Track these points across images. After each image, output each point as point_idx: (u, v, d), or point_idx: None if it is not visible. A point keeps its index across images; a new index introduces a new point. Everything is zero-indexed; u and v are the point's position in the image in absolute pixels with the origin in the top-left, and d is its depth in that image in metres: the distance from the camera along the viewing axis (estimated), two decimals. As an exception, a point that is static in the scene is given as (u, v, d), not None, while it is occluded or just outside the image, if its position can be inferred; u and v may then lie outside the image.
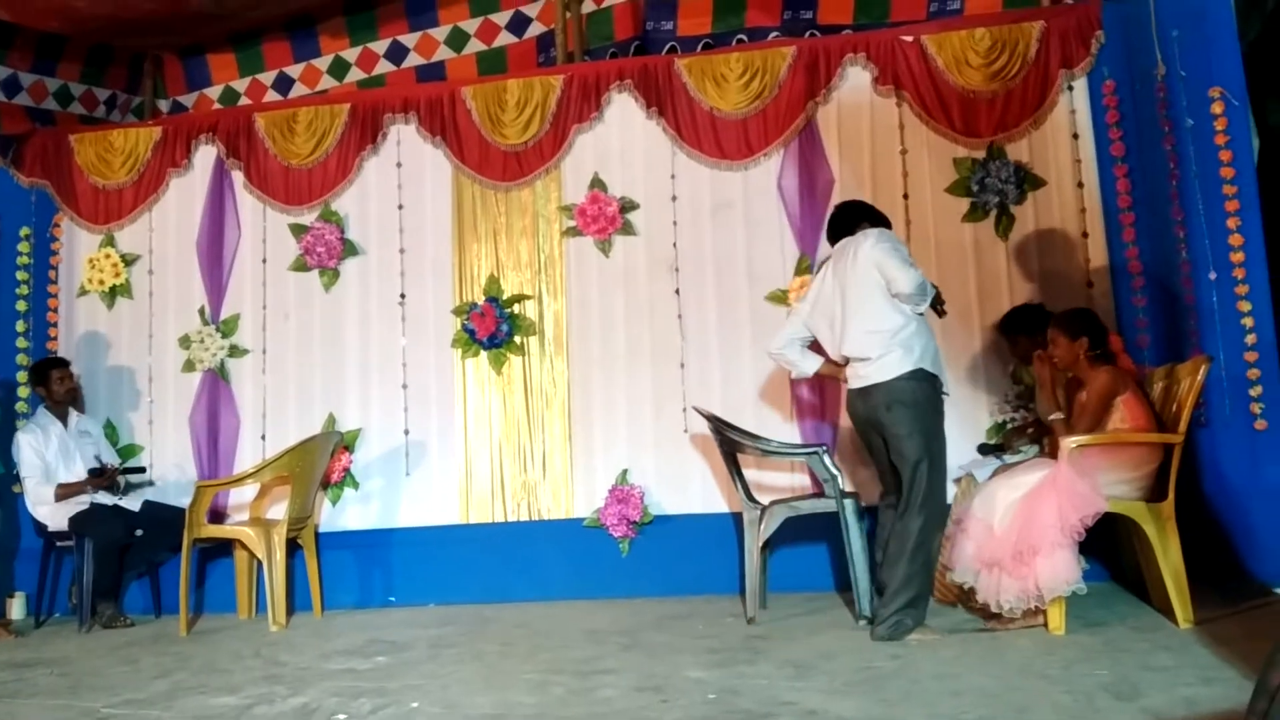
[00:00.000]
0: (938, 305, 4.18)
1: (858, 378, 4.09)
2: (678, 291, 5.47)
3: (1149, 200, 4.94)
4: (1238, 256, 4.58)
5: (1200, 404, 4.48)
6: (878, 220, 4.27)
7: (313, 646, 4.50)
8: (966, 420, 5.11)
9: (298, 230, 5.86)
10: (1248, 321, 4.53)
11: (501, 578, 5.42)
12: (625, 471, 5.38)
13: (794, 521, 4.52)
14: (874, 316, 4.01)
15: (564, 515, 5.44)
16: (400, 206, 5.80)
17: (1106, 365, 4.09)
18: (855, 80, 5.39)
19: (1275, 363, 4.50)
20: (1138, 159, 5.00)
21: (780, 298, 5.31)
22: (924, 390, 3.98)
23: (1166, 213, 4.80)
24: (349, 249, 5.80)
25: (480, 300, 5.62)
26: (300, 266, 5.83)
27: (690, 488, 5.34)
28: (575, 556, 5.37)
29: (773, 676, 3.44)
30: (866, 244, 4.05)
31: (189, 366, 5.85)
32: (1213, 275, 4.59)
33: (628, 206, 5.54)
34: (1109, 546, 4.61)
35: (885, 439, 4.04)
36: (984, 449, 4.80)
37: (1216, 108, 4.68)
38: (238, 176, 5.95)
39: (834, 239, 4.33)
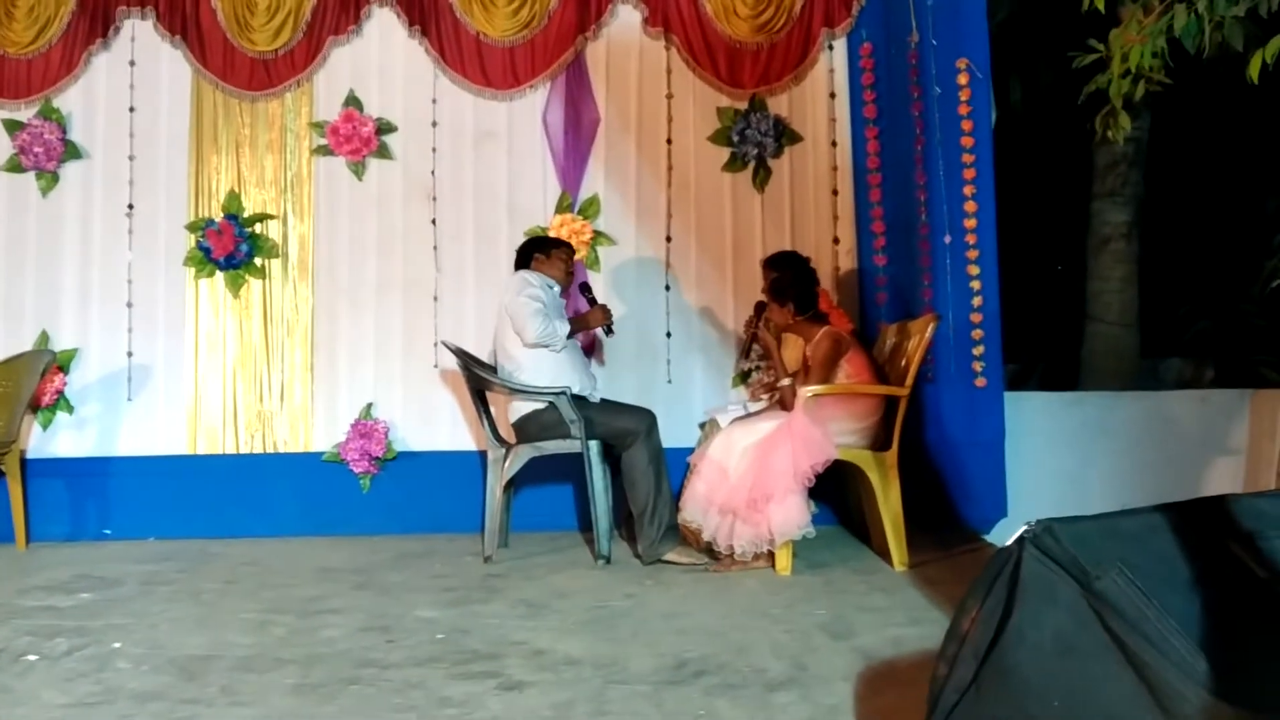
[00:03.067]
0: (608, 328, 4.65)
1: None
2: (434, 221, 5.27)
3: (896, 163, 5.13)
4: (971, 223, 4.83)
5: (928, 360, 4.73)
6: (547, 250, 4.64)
7: (10, 581, 4.12)
8: (714, 367, 5.22)
9: (12, 126, 5.26)
10: (975, 285, 4.80)
11: (231, 512, 5.10)
12: (370, 405, 5.17)
13: (540, 461, 4.46)
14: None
15: (301, 449, 5.19)
16: (132, 109, 5.30)
17: (824, 326, 4.24)
18: (626, 19, 5.31)
19: (998, 325, 4.80)
20: (889, 122, 5.18)
21: (540, 235, 5.20)
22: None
23: (910, 176, 4.99)
24: (71, 151, 5.27)
25: (218, 217, 5.23)
26: (14, 167, 5.25)
27: (438, 424, 5.20)
28: (312, 492, 5.13)
29: (505, 616, 3.39)
30: (507, 293, 4.47)
31: (-124, 272, 5.19)
32: (947, 239, 4.82)
33: (384, 128, 5.27)
34: (837, 492, 4.82)
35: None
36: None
37: (962, 78, 4.89)
38: (-58, 62, 5.28)
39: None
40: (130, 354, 5.21)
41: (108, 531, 5.13)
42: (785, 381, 4.28)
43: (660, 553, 4.16)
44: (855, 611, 3.34)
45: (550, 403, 4.27)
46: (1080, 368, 7.21)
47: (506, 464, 4.38)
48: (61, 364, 5.16)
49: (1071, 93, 5.99)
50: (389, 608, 3.53)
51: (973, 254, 4.83)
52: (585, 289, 4.76)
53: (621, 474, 4.32)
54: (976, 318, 4.81)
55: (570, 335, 4.44)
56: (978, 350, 4.81)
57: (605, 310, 4.63)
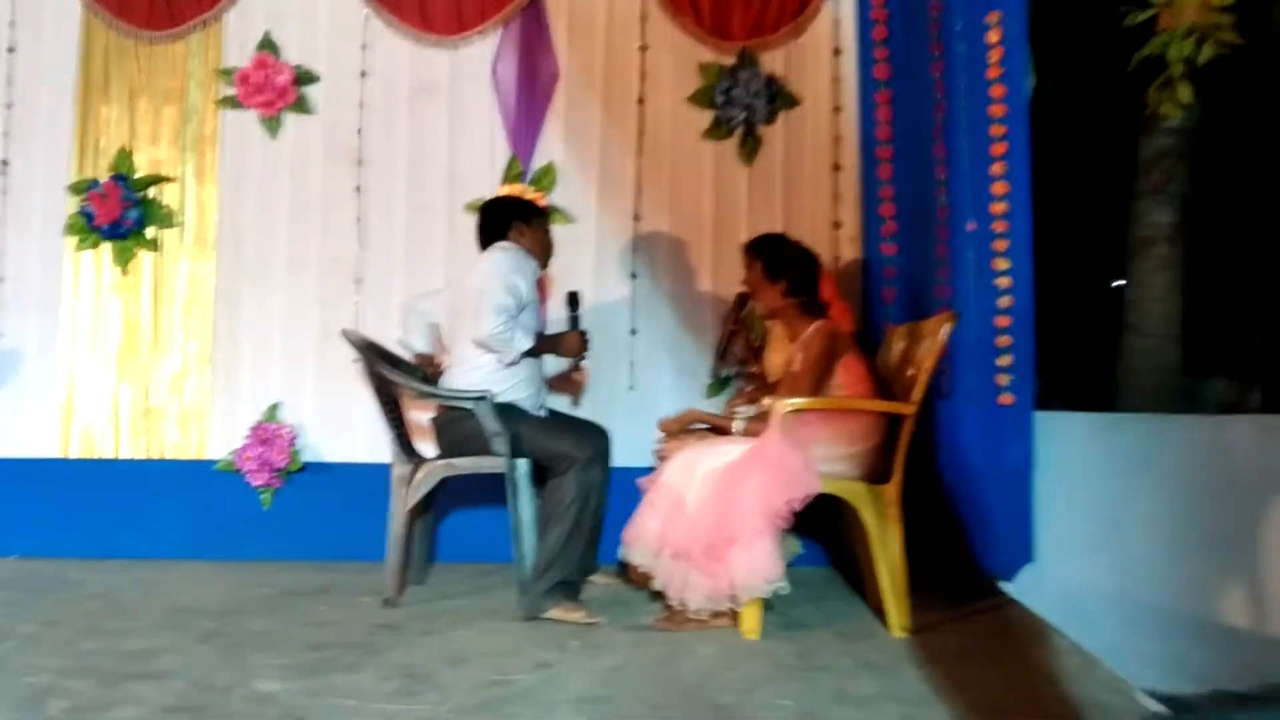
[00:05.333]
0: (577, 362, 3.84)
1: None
2: (359, 189, 4.49)
3: (911, 134, 4.32)
4: (1000, 207, 3.97)
5: (943, 371, 3.90)
6: (528, 218, 3.75)
7: None
8: (685, 371, 4.42)
9: None
10: (1003, 281, 3.95)
11: (108, 529, 4.32)
12: (275, 406, 4.37)
13: (467, 481, 3.64)
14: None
15: (194, 455, 4.41)
16: (11, 50, 4.54)
17: (818, 320, 3.38)
18: (584, -44, 4.52)
19: (1029, 330, 3.96)
20: (903, 85, 4.36)
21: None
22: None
23: (928, 150, 4.17)
24: (-62, 97, 4.51)
25: (104, 177, 4.44)
26: None
27: (355, 432, 4.39)
28: (203, 507, 4.34)
29: (368, 694, 2.55)
30: (491, 274, 3.51)
31: None
32: (971, 226, 3.99)
33: (304, 78, 4.48)
34: (830, 526, 3.99)
35: None
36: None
37: (993, 35, 4.05)
38: None
39: (484, 244, 3.71)
40: (-2, 337, 4.44)
41: (-38, 547, 4.35)
42: (768, 401, 3.37)
43: (542, 609, 3.31)
44: (833, 704, 2.50)
45: (469, 410, 3.44)
46: (1115, 385, 6.46)
47: (415, 482, 3.54)
48: (-86, 347, 4.38)
49: (1109, 79, 5.24)
50: (223, 674, 2.69)
51: (1001, 244, 3.97)
52: (573, 302, 3.80)
53: (543, 500, 3.48)
54: (1003, 321, 3.95)
55: (532, 355, 3.59)
56: (1004, 360, 3.96)
57: (584, 339, 3.71)
